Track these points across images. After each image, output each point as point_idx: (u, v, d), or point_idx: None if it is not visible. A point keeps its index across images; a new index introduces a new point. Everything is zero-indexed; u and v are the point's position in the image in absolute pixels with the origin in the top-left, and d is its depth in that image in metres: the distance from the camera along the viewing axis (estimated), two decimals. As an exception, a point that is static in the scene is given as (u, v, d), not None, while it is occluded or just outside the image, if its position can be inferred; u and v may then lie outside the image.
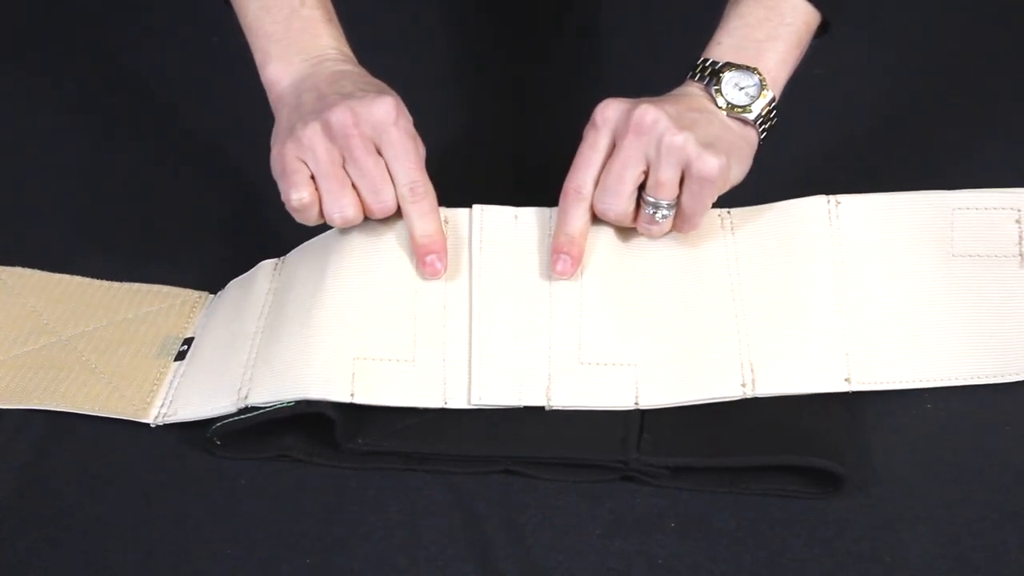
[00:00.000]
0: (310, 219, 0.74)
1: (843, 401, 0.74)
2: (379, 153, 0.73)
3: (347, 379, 0.72)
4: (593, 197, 0.74)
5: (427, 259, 0.75)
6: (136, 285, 0.84)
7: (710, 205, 0.73)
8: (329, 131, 0.72)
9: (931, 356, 0.76)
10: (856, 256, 0.77)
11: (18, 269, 0.84)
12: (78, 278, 0.84)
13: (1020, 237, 0.76)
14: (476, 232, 0.76)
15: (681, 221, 0.74)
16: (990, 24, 1.02)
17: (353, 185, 0.74)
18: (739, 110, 0.74)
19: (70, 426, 0.75)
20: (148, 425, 0.75)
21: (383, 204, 0.74)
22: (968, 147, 0.92)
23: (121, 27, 1.02)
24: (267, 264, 0.81)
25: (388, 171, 0.74)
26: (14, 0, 1.05)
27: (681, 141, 0.71)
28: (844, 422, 0.73)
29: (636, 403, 0.73)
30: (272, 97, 0.77)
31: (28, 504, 0.71)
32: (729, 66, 0.75)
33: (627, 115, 0.72)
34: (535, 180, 0.82)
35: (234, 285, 0.82)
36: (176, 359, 0.79)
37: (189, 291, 0.83)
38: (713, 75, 0.75)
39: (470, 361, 0.74)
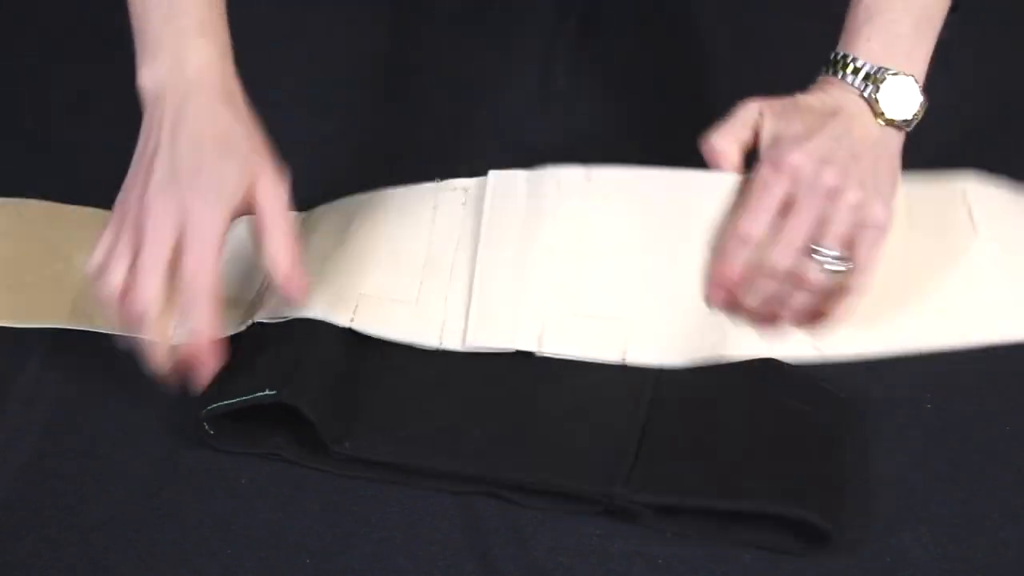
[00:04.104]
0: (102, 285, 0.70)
1: (843, 441, 0.72)
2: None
3: (349, 309, 0.76)
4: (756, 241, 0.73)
5: (196, 362, 0.71)
6: None
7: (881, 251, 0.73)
8: (142, 213, 0.69)
9: (895, 325, 0.77)
10: None
11: (32, 201, 0.88)
12: (90, 208, 0.86)
13: (970, 211, 0.79)
14: (489, 197, 0.80)
15: (858, 274, 0.73)
16: (993, 24, 1.02)
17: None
18: (898, 124, 0.74)
19: (70, 426, 0.75)
20: (148, 425, 0.75)
21: (141, 295, 0.69)
22: (968, 150, 0.91)
23: (120, 26, 1.02)
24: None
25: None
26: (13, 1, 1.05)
27: (861, 200, 0.71)
28: (842, 472, 0.71)
29: (623, 359, 0.75)
30: (144, 111, 0.74)
31: (28, 504, 0.71)
32: (885, 72, 0.74)
33: (815, 175, 0.71)
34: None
35: (243, 220, 0.82)
36: None
37: None
38: (871, 82, 0.74)
39: (468, 306, 0.76)
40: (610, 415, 0.73)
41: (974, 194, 0.80)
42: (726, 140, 0.76)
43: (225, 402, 0.72)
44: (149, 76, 0.73)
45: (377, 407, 0.74)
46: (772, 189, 0.73)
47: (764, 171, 0.73)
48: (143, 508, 0.71)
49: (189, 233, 0.69)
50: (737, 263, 0.73)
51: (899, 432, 0.74)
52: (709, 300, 0.75)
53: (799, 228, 0.72)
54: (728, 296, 0.75)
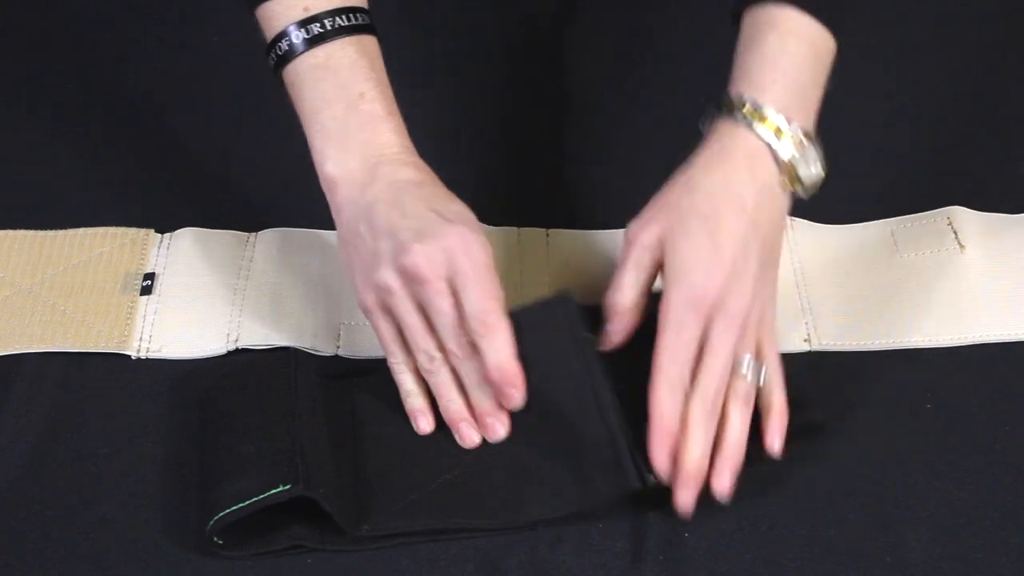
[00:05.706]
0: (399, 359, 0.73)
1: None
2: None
3: (333, 338, 0.80)
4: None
5: (506, 391, 0.70)
6: (81, 230, 0.86)
7: None
8: (404, 276, 0.69)
9: (882, 323, 0.80)
10: (810, 256, 0.84)
11: None
12: (22, 231, 0.86)
13: (955, 233, 0.84)
14: None
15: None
16: (995, 26, 1.01)
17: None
18: (804, 191, 0.72)
19: (70, 426, 0.75)
20: (147, 426, 0.75)
21: (460, 342, 0.70)
22: (961, 156, 0.91)
23: (122, 27, 1.02)
24: (237, 233, 0.85)
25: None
26: (12, 1, 1.05)
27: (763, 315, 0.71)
28: None
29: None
30: (332, 200, 0.73)
31: (28, 504, 0.71)
32: (798, 128, 0.70)
33: (725, 304, 0.68)
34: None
35: (198, 234, 0.85)
36: (142, 293, 0.82)
37: (135, 229, 0.86)
38: (787, 140, 0.70)
39: None
40: (588, 419, 0.71)
41: (957, 220, 0.85)
42: (627, 298, 0.72)
43: (237, 506, 0.66)
44: (339, 165, 0.72)
45: (381, 470, 0.71)
46: (687, 330, 0.68)
47: (678, 309, 0.69)
48: (143, 508, 0.71)
49: (460, 266, 0.68)
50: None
51: (899, 432, 0.74)
52: (657, 464, 0.68)
53: (717, 368, 0.68)
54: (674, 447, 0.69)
